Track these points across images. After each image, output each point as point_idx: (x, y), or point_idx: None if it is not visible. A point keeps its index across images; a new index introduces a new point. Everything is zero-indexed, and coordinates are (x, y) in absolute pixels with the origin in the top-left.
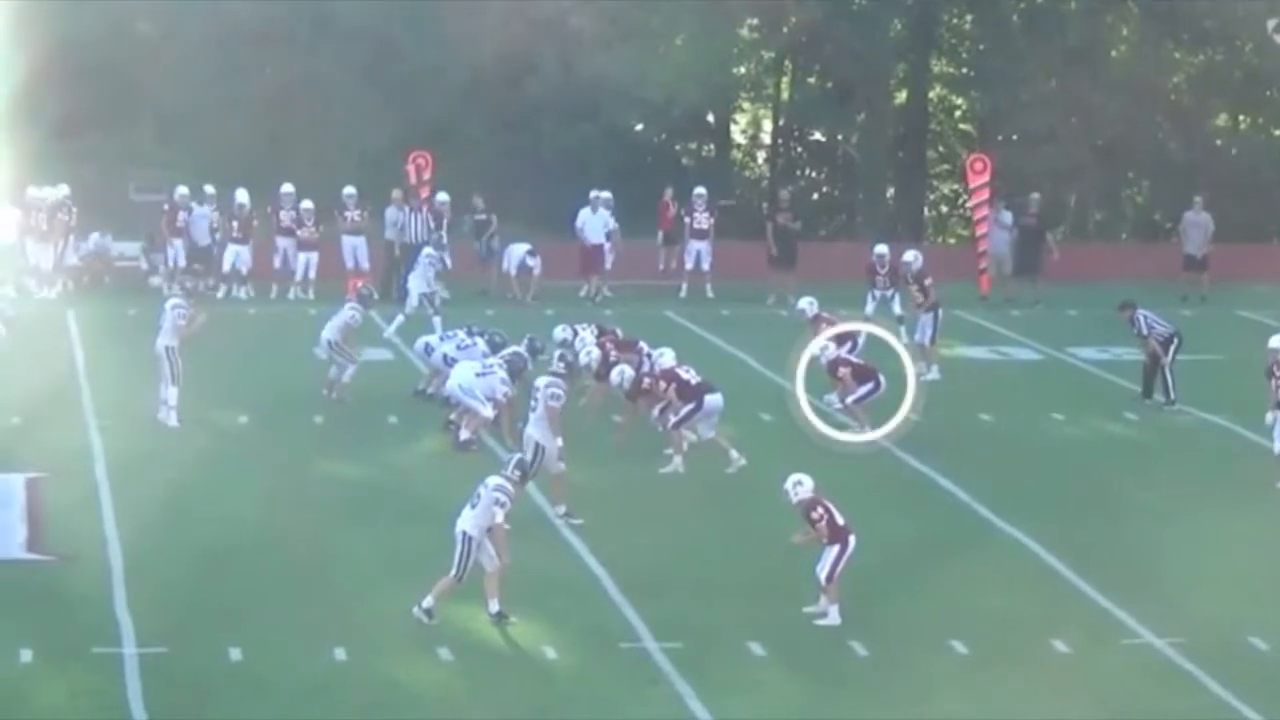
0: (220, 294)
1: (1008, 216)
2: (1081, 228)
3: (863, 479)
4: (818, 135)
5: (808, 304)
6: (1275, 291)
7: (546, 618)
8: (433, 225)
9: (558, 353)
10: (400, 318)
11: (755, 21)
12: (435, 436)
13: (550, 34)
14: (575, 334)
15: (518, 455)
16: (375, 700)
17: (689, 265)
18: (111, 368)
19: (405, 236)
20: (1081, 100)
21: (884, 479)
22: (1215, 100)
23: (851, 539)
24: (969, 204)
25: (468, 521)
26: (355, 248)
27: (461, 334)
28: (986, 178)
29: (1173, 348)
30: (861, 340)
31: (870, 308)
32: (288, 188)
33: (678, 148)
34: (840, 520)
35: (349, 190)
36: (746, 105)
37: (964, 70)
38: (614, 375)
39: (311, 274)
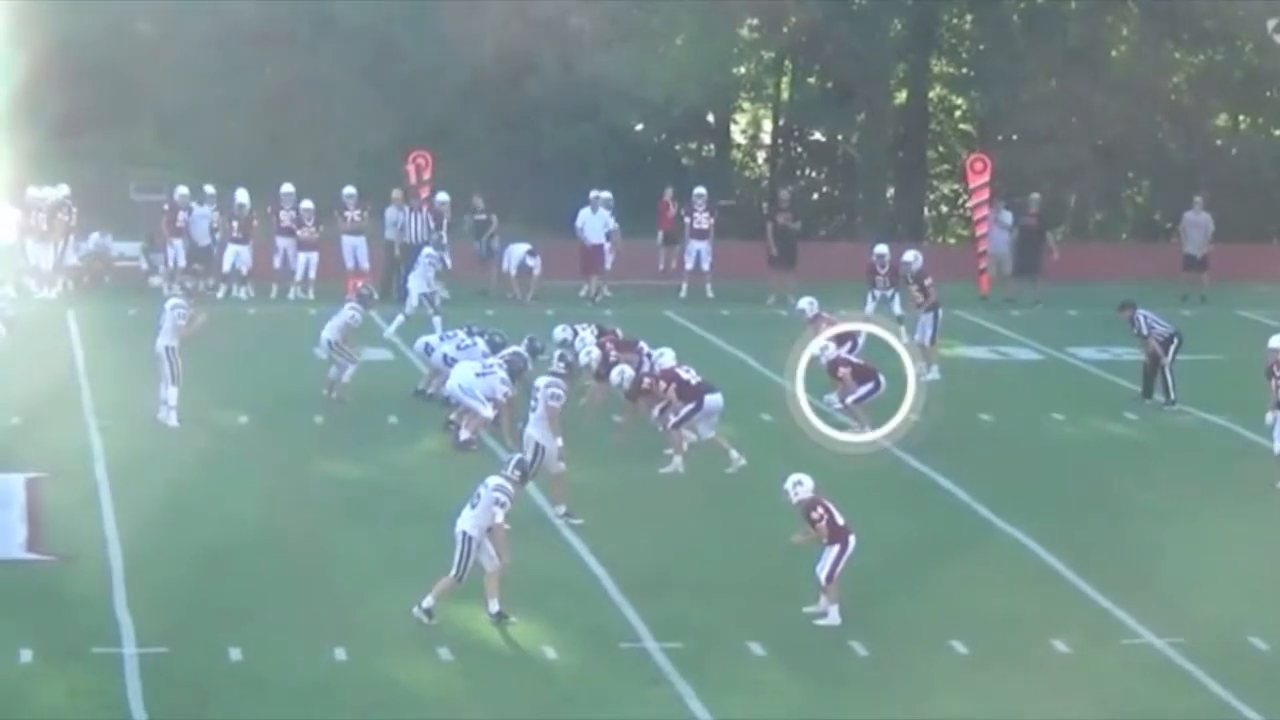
0: (220, 294)
1: (1008, 216)
2: (1081, 228)
3: (863, 479)
4: (818, 135)
5: (808, 304)
6: (1275, 291)
7: (546, 618)
8: (433, 225)
9: (558, 353)
10: (400, 318)
11: (755, 21)
12: (435, 436)
13: (550, 34)
14: (575, 334)
15: (518, 455)
16: (375, 700)
17: (689, 265)
18: (111, 368)
19: (405, 236)
20: (1081, 100)
21: (884, 479)
22: (1215, 100)
23: (851, 539)
24: (969, 204)
25: (468, 521)
26: (355, 248)
27: (461, 334)
28: (986, 178)
29: (1173, 348)
30: (861, 340)
31: (870, 308)
32: (288, 188)
33: (678, 148)
34: (840, 520)
35: (349, 190)
36: (746, 105)
37: (964, 70)
38: (614, 375)
39: (311, 274)
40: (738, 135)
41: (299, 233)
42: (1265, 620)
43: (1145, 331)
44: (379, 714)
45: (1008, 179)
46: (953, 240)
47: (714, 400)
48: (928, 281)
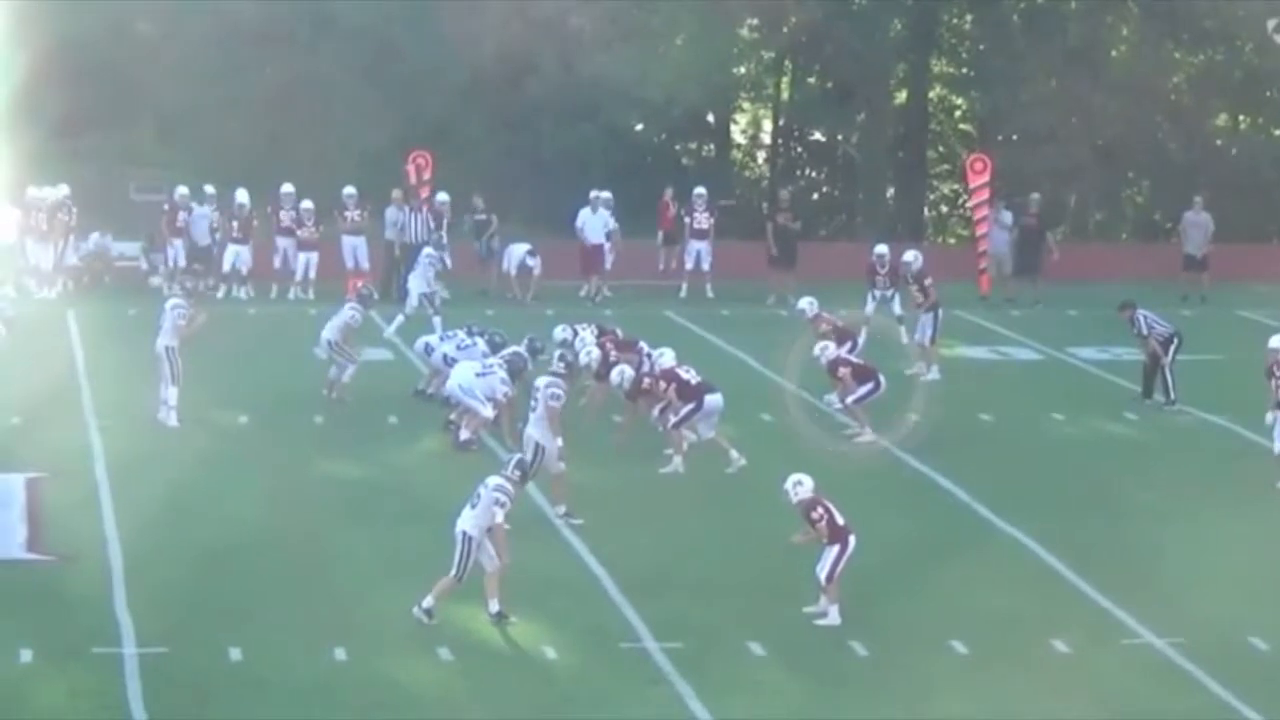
0: (220, 294)
1: (1008, 216)
2: (1081, 228)
3: (863, 479)
4: (818, 135)
5: (808, 304)
6: (1275, 291)
7: (546, 618)
8: (433, 225)
9: (558, 353)
10: (400, 318)
11: (755, 21)
12: (435, 436)
13: (550, 34)
14: (575, 334)
15: (518, 455)
16: (375, 700)
17: (689, 265)
18: (111, 368)
19: (405, 236)
20: (1081, 100)
21: (884, 479)
22: (1215, 100)
23: (851, 539)
24: (969, 204)
25: (468, 521)
26: (355, 248)
27: (461, 334)
28: (986, 178)
29: (1173, 348)
30: (861, 340)
31: (870, 308)
32: (288, 188)
33: (678, 148)
34: (840, 520)
35: (349, 190)
36: (746, 105)
37: (964, 70)
38: (614, 375)
39: (311, 274)
40: (738, 135)
41: (299, 233)
42: (1265, 620)
43: (1145, 331)
44: (379, 714)
45: (1008, 179)
46: (953, 240)
47: (714, 400)
48: (928, 281)
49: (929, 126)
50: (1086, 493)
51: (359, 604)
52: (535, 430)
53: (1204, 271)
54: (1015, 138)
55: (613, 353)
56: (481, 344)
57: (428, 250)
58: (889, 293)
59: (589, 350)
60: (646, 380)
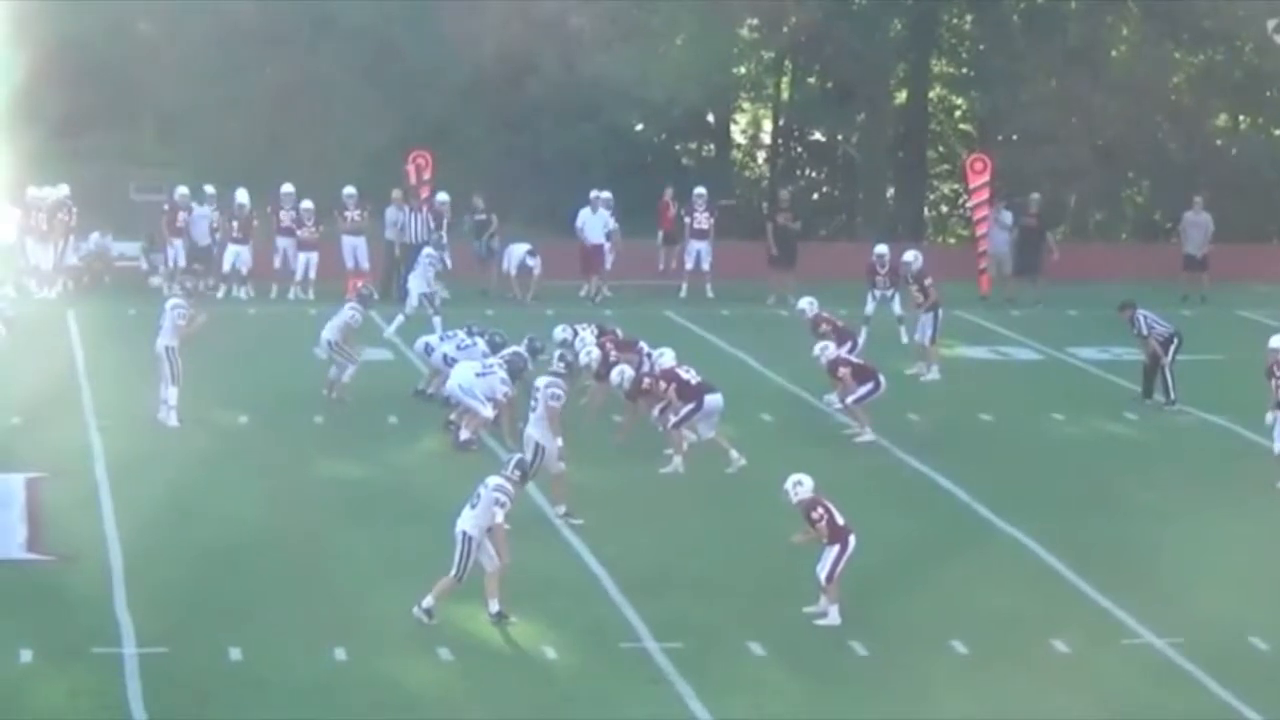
0: (220, 294)
1: (1008, 216)
2: (1082, 228)
3: (863, 479)
4: (818, 135)
5: (808, 304)
6: (1275, 291)
7: (547, 618)
8: (433, 225)
9: (557, 352)
10: (400, 318)
11: (755, 21)
12: (435, 436)
13: (550, 34)
14: (575, 334)
15: (518, 455)
16: (375, 700)
17: (689, 265)
18: (111, 368)
19: (405, 236)
20: (1081, 100)
21: (884, 479)
22: (1215, 100)
23: (852, 539)
24: (969, 204)
25: (468, 521)
26: (355, 248)
27: (461, 334)
28: (986, 178)
29: (1173, 348)
30: (862, 340)
31: (870, 308)
32: (288, 188)
33: (678, 148)
34: (840, 520)
35: (349, 190)
36: (746, 105)
37: (964, 70)
38: (614, 375)
39: (311, 274)
40: (738, 135)
41: (299, 233)
42: (1265, 620)
43: (1145, 331)
44: (379, 714)
45: (1008, 179)
46: (953, 240)
47: (714, 400)
48: (927, 281)
49: (929, 126)
50: (1087, 493)
51: (359, 604)
52: (535, 430)
53: (1204, 271)
54: (1015, 138)
55: (613, 353)
56: (481, 344)
57: (428, 250)
58: (889, 292)
59: (589, 350)
60: (646, 380)
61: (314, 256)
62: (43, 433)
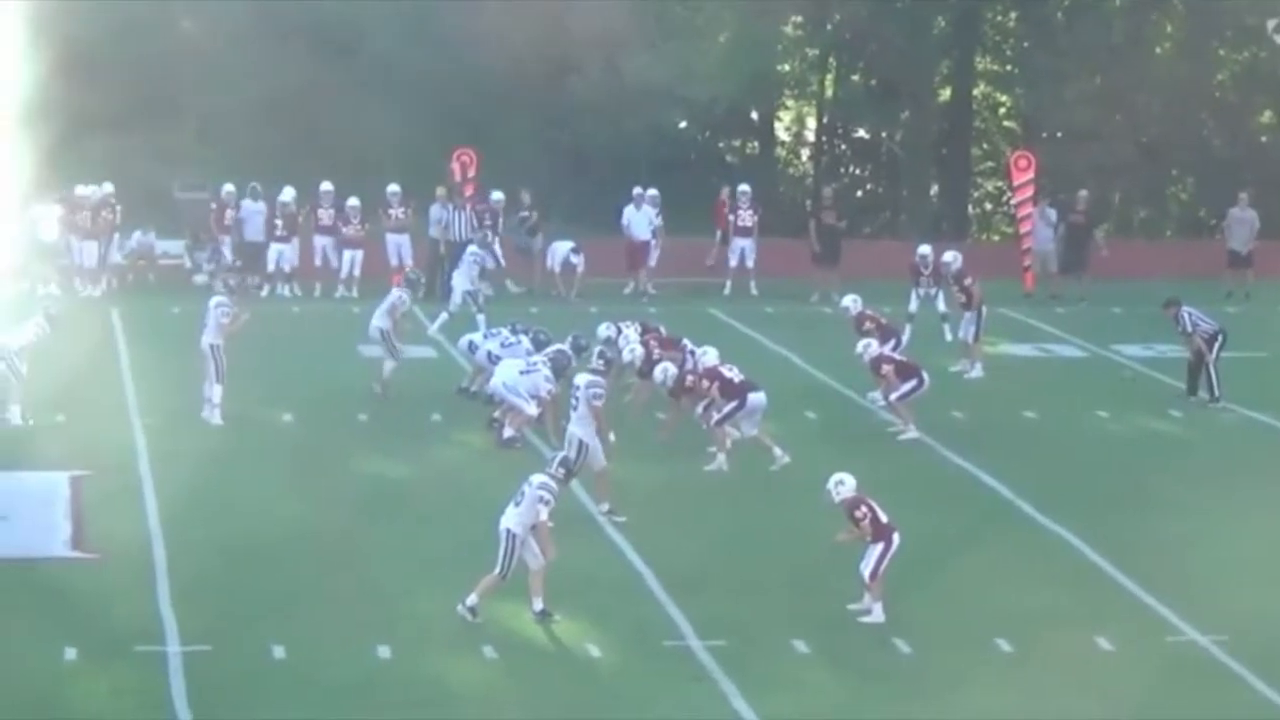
0: (264, 292)
1: (1052, 214)
2: (1126, 225)
3: (906, 476)
4: (861, 132)
5: (851, 301)
6: None
7: (590, 616)
8: (487, 222)
9: (597, 349)
10: (444, 315)
11: (799, 19)
12: (479, 434)
13: (593, 32)
14: (619, 331)
15: (562, 453)
16: (419, 698)
17: (733, 263)
18: (155, 365)
19: (449, 234)
20: (1125, 97)
21: (927, 476)
22: (1259, 97)
23: (896, 537)
24: (1013, 201)
25: (512, 519)
26: (400, 245)
27: (505, 331)
28: (1030, 175)
29: (1217, 345)
30: (905, 337)
31: (914, 305)
32: (326, 186)
33: (721, 145)
34: (884, 518)
35: (393, 188)
36: (790, 102)
37: (1008, 67)
38: (657, 373)
39: (356, 272)
40: (781, 132)
41: (344, 230)
42: None
43: (1190, 329)
44: (423, 712)
45: (1052, 176)
46: (997, 237)
47: (757, 398)
48: (968, 281)
49: (973, 124)
50: (1130, 490)
51: (402, 601)
52: (579, 428)
53: (1249, 268)
54: (1059, 135)
55: (656, 350)
56: (525, 342)
57: (472, 248)
58: (933, 291)
59: (633, 348)
60: (690, 378)
61: (359, 254)
62: (86, 430)
